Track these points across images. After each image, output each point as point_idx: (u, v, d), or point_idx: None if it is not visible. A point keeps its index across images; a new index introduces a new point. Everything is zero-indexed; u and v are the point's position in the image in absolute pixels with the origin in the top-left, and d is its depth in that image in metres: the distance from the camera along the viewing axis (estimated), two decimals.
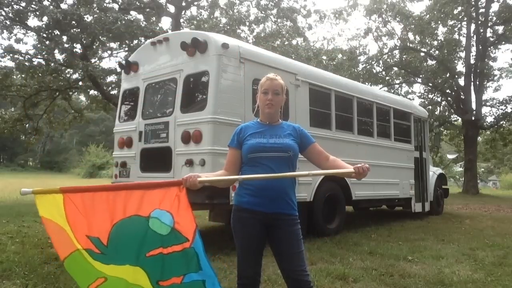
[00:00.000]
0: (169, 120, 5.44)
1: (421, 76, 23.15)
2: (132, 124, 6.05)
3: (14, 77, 16.21)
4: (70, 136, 58.94)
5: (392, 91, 22.53)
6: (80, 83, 15.69)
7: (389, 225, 8.00)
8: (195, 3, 17.14)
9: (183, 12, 16.75)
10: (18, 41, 13.99)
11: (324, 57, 19.59)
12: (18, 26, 13.71)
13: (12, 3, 13.05)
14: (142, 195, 2.05)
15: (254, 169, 2.25)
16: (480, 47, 21.63)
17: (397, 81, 24.45)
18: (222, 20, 16.97)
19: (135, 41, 14.60)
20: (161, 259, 1.99)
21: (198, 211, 7.37)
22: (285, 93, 2.41)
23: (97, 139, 52.01)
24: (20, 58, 13.84)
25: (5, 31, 13.32)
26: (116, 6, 14.90)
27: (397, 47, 23.16)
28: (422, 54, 22.85)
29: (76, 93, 19.60)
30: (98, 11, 13.20)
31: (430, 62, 23.08)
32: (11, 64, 14.23)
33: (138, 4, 15.54)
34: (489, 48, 22.13)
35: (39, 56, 14.09)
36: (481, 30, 21.63)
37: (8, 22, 13.26)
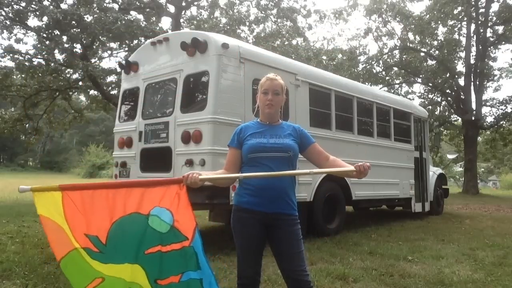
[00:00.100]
0: (169, 120, 5.44)
1: (421, 76, 23.15)
2: (132, 124, 6.05)
3: (14, 77, 16.22)
4: (70, 136, 58.92)
5: (392, 91, 22.54)
6: (80, 83, 15.70)
7: (389, 225, 8.00)
8: (195, 3, 17.15)
9: (183, 12, 16.76)
10: (18, 41, 14.00)
11: (324, 57, 19.60)
12: (18, 26, 13.72)
13: (12, 3, 13.06)
14: (143, 192, 2.04)
15: (254, 169, 2.25)
16: (480, 47, 21.63)
17: (397, 81, 24.45)
18: (222, 20, 16.98)
19: (135, 41, 14.60)
20: (159, 257, 1.98)
21: (198, 211, 7.37)
22: (285, 93, 2.42)
23: (97, 139, 51.99)
24: (20, 58, 13.84)
25: (5, 31, 13.33)
26: (116, 6, 14.91)
27: (397, 47, 23.17)
28: (422, 54, 22.85)
29: (76, 93, 19.61)
30: (98, 11, 13.21)
31: (430, 62, 23.09)
32: (11, 64, 14.26)
33: (138, 4, 15.54)
34: (489, 48, 22.13)
35: (39, 56, 14.10)
36: (481, 30, 21.63)
37: (8, 22, 13.27)
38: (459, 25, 22.81)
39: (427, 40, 22.41)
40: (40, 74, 14.14)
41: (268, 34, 16.96)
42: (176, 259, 1.98)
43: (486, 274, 4.33)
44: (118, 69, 12.29)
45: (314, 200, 6.22)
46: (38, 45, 14.00)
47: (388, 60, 23.31)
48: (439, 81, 22.24)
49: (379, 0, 21.75)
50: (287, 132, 2.36)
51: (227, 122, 5.01)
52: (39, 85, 14.18)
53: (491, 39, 22.16)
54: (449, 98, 23.26)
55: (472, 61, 21.65)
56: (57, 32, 13.41)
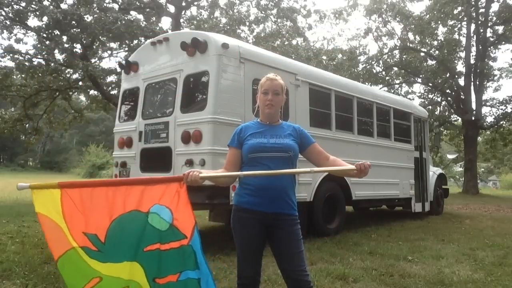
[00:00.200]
0: (169, 120, 5.44)
1: (421, 76, 23.15)
2: (132, 124, 6.05)
3: (14, 77, 16.22)
4: (70, 136, 58.91)
5: (392, 91, 22.54)
6: (80, 83, 15.70)
7: (389, 225, 8.00)
8: (195, 3, 17.15)
9: (183, 12, 16.75)
10: (18, 41, 14.00)
11: (324, 57, 19.59)
12: (18, 26, 13.72)
13: (12, 3, 13.06)
14: (143, 190, 2.03)
15: (254, 169, 2.24)
16: (480, 47, 21.63)
17: (397, 81, 24.45)
18: (222, 20, 16.98)
19: (135, 41, 14.60)
20: (158, 255, 1.97)
21: (198, 211, 7.37)
22: (285, 93, 2.42)
23: (97, 139, 51.97)
24: (20, 58, 13.85)
25: (5, 31, 13.34)
26: (116, 6, 14.91)
27: (397, 47, 23.17)
28: (422, 54, 22.86)
29: (76, 93, 19.61)
30: (98, 11, 13.21)
31: (430, 62, 23.09)
32: (11, 64, 14.27)
33: (138, 4, 15.55)
34: (489, 48, 22.13)
35: (39, 56, 14.10)
36: (481, 30, 21.63)
37: (8, 22, 13.27)
38: (459, 25, 22.83)
39: (427, 40, 22.42)
40: (40, 74, 14.14)
41: (268, 34, 16.95)
42: (174, 258, 1.97)
43: (486, 274, 4.33)
44: (118, 69, 12.29)
45: (314, 200, 6.21)
46: (38, 45, 14.00)
47: (388, 60, 23.31)
48: (439, 81, 22.24)
49: (379, 0, 21.75)
50: (287, 132, 2.36)
51: (227, 122, 5.01)
52: (39, 85, 14.18)
53: (491, 39, 22.16)
54: (449, 98, 23.26)
55: (472, 61, 21.65)
56: (57, 32, 13.41)
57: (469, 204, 14.29)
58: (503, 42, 22.06)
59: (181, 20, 16.43)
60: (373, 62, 22.96)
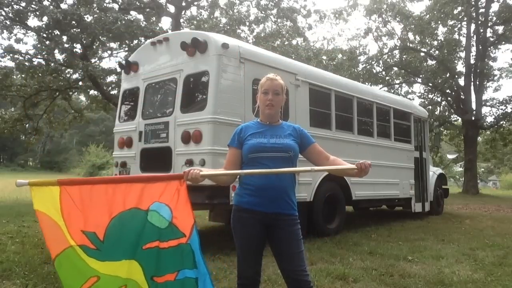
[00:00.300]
0: (169, 120, 5.44)
1: (421, 76, 23.15)
2: (132, 124, 6.05)
3: (14, 77, 16.21)
4: (70, 136, 58.88)
5: (392, 91, 22.54)
6: (80, 83, 15.70)
7: (389, 225, 8.00)
8: (195, 3, 17.15)
9: (183, 12, 16.76)
10: (18, 41, 14.00)
11: (324, 57, 19.60)
12: (18, 26, 13.72)
13: (12, 3, 13.06)
14: (143, 188, 2.02)
15: (254, 169, 2.24)
16: (480, 47, 21.63)
17: (397, 81, 24.46)
18: (222, 20, 16.98)
19: (135, 41, 14.61)
20: (156, 253, 1.96)
21: (198, 211, 7.37)
22: (285, 93, 2.42)
23: (97, 139, 51.94)
24: (20, 58, 13.85)
25: (5, 31, 13.34)
26: (116, 6, 14.91)
27: (397, 47, 23.17)
28: (422, 54, 22.86)
29: (76, 93, 19.60)
30: (98, 11, 13.21)
31: (430, 62, 23.10)
32: (11, 64, 14.29)
33: (138, 4, 15.55)
34: (489, 48, 22.13)
35: (39, 56, 14.11)
36: (481, 30, 21.63)
37: (8, 22, 13.27)
38: (459, 25, 22.83)
39: (427, 40, 22.42)
40: (40, 74, 14.14)
41: (268, 34, 16.96)
42: (172, 256, 1.96)
43: (486, 274, 4.33)
44: (118, 69, 12.29)
45: (314, 200, 6.21)
46: (38, 45, 14.01)
47: (388, 60, 23.31)
48: (439, 81, 22.24)
49: (379, 0, 21.75)
50: (287, 132, 2.36)
51: (227, 122, 5.01)
52: (39, 85, 14.18)
53: (491, 39, 22.16)
54: (449, 98, 23.26)
55: (472, 61, 21.65)
56: (57, 32, 13.41)
57: (469, 204, 14.29)
58: (503, 42, 22.07)
59: (181, 20, 16.43)
60: (373, 62, 22.96)
